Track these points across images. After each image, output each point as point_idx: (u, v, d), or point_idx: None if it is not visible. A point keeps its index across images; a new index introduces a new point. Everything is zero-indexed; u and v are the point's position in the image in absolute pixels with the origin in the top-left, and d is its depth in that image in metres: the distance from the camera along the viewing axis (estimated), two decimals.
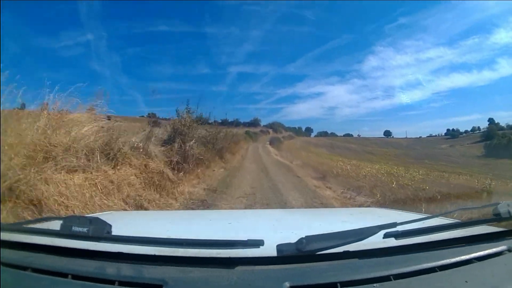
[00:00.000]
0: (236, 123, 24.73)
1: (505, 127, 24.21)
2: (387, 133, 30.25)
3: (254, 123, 31.31)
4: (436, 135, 29.13)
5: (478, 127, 27.27)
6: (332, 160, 17.12)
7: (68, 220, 0.77)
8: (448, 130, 28.63)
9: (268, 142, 26.91)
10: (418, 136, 29.82)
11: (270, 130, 32.14)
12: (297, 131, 32.06)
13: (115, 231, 0.76)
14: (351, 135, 31.03)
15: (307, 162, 13.76)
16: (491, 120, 25.88)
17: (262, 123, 31.63)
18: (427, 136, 29.46)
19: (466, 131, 27.81)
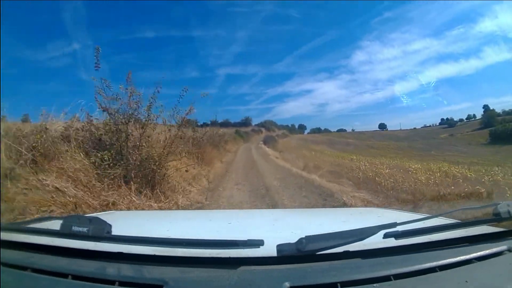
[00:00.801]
0: (226, 124, 23.22)
1: (501, 113, 23.74)
2: (382, 126, 29.66)
3: (245, 122, 29.45)
4: (430, 125, 28.87)
5: (474, 115, 26.89)
6: (346, 159, 13.68)
7: (68, 220, 0.76)
8: (442, 119, 28.31)
9: (262, 142, 24.92)
10: (413, 127, 29.50)
11: (263, 129, 30.71)
12: (290, 129, 31.01)
13: (115, 231, 0.75)
14: (345, 130, 30.33)
15: (325, 168, 8.80)
16: (486, 107, 25.46)
17: (254, 122, 30.31)
18: (422, 127, 29.14)
19: (461, 120, 27.55)
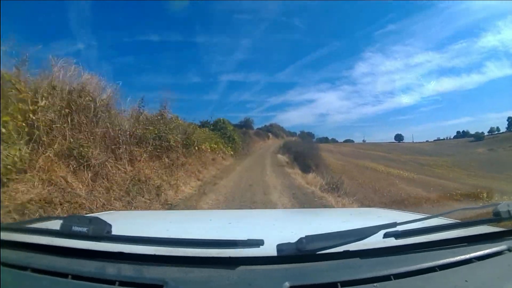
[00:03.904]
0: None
1: None
2: (399, 137, 28.66)
3: (245, 124, 22.16)
4: (444, 138, 28.37)
5: (497, 128, 26.38)
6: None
7: (68, 220, 0.77)
8: (458, 132, 27.87)
9: (282, 154, 13.76)
10: (425, 140, 28.93)
11: (270, 134, 25.11)
12: (302, 136, 25.48)
13: (115, 231, 0.76)
14: (352, 141, 28.69)
15: None
16: (510, 119, 25.02)
17: (255, 127, 24.30)
18: (434, 140, 28.57)
19: (478, 133, 26.92)
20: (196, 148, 8.74)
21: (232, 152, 12.40)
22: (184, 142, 7.97)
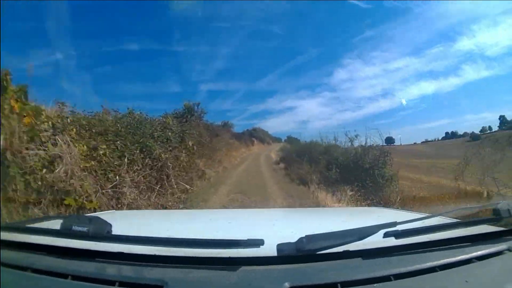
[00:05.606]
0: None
1: None
2: (389, 140, 27.95)
3: (223, 128, 15.04)
4: (431, 140, 28.24)
5: (489, 127, 26.24)
6: None
7: (68, 220, 0.76)
8: (446, 133, 27.73)
9: (316, 179, 7.52)
10: (413, 142, 28.90)
11: (254, 140, 22.33)
12: (290, 142, 25.47)
13: (115, 231, 0.76)
14: (338, 146, 28.28)
15: None
16: (502, 118, 24.81)
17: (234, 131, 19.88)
18: (422, 142, 28.57)
19: (465, 133, 26.97)
20: None
21: None
22: None
